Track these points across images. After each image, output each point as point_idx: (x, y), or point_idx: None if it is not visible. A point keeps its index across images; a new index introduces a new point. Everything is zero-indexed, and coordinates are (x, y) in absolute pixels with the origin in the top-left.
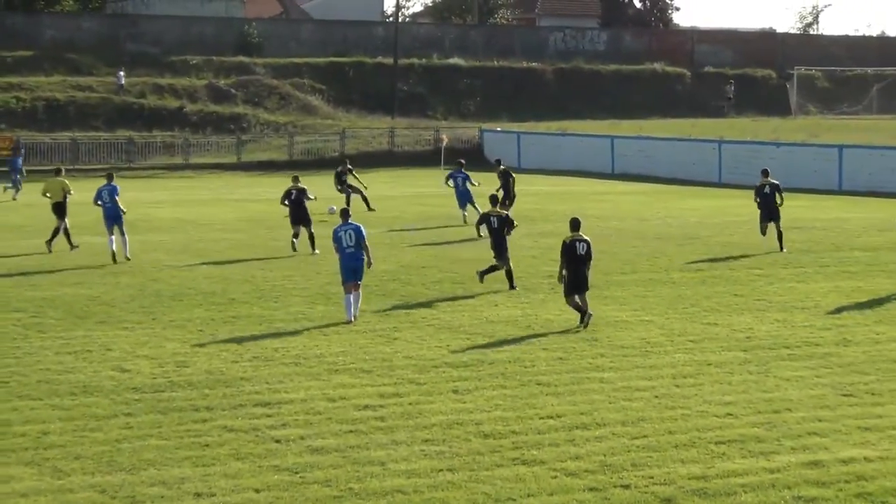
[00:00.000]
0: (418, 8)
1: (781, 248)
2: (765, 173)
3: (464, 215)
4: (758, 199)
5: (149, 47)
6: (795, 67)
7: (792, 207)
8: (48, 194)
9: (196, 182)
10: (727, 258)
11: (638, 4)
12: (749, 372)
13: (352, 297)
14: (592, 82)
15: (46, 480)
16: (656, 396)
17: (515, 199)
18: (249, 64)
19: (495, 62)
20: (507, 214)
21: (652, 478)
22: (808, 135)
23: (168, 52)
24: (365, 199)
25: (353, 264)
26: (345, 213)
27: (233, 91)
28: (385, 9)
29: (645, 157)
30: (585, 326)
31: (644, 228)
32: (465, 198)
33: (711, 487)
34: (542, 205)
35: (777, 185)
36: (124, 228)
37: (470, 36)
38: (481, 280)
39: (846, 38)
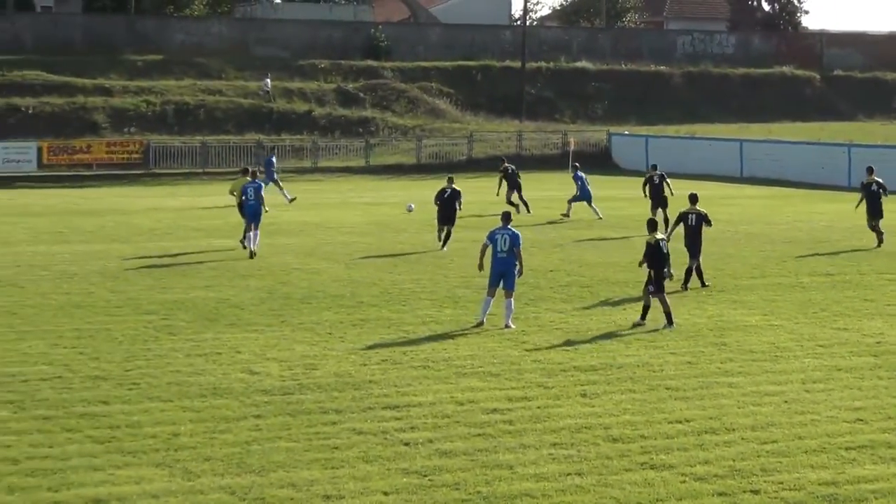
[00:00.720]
0: (546, 11)
1: (880, 244)
2: (870, 171)
3: (594, 209)
4: (864, 197)
5: (278, 51)
6: None
7: None
8: (234, 193)
9: (324, 185)
10: (856, 262)
11: (766, 7)
12: (879, 377)
13: (488, 302)
14: (721, 86)
15: (177, 481)
16: (786, 401)
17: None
18: (377, 68)
19: (623, 65)
20: (705, 213)
21: (782, 483)
22: None
23: (296, 56)
24: (525, 203)
25: (502, 269)
26: (506, 217)
27: (361, 95)
28: (513, 12)
29: (773, 161)
30: (672, 325)
31: (773, 232)
32: (585, 195)
33: (842, 493)
34: (671, 207)
35: (883, 184)
36: (258, 227)
37: (598, 39)
38: (685, 289)
39: None
